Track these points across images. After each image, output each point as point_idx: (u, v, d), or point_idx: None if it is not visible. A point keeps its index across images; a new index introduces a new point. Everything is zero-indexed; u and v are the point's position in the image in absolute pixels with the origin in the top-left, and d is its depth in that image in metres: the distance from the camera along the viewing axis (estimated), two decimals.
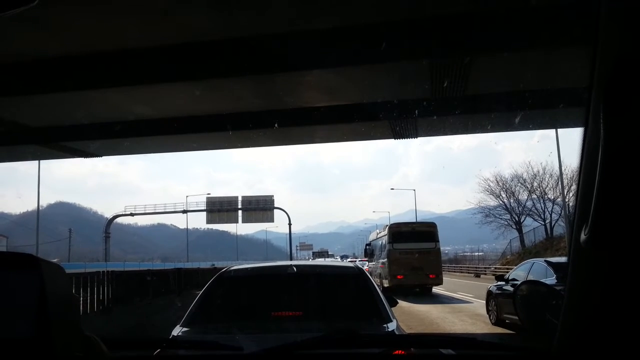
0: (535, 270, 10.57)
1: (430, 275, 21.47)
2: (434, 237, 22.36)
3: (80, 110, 13.04)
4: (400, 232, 22.51)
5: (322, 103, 13.01)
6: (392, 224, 24.16)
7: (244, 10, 8.13)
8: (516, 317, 10.85)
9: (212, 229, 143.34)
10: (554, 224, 37.40)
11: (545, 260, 10.82)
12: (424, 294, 20.81)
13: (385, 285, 21.61)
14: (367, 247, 30.18)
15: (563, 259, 12.91)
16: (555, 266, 9.80)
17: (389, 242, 22.28)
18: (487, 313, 12.31)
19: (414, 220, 39.61)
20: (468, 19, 8.16)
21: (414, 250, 21.55)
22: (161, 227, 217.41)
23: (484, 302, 12.81)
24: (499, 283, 11.89)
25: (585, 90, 0.95)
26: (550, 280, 9.00)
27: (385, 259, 22.61)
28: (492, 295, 12.00)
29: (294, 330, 2.78)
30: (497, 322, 11.40)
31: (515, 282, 10.79)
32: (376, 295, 3.17)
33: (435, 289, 22.37)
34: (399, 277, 21.31)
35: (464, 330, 10.88)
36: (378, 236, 27.23)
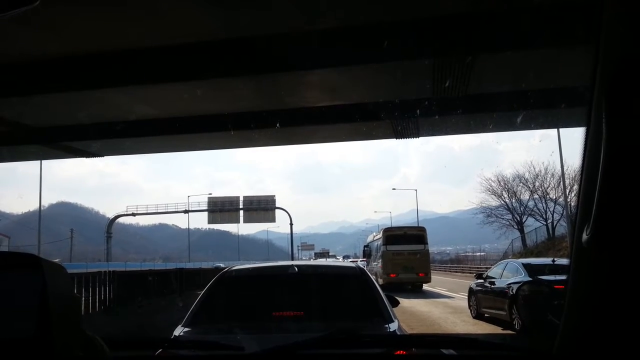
0: (509, 268, 11.70)
1: (420, 274, 23.84)
2: (424, 240, 24.81)
3: (81, 110, 13.05)
4: (393, 236, 25.10)
5: (323, 103, 13.00)
6: (385, 228, 26.97)
7: (245, 9, 8.12)
8: (493, 311, 11.19)
9: (213, 229, 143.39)
10: (556, 224, 37.35)
11: (517, 261, 12.44)
12: (425, 294, 21.49)
13: (380, 283, 22.33)
14: (365, 248, 33.20)
15: (533, 260, 15.18)
16: (525, 266, 11.07)
17: (383, 244, 24.81)
18: (469, 308, 13.23)
19: (415, 221, 41.78)
20: (470, 19, 8.15)
21: (405, 251, 23.94)
22: (163, 227, 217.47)
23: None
24: (479, 281, 12.79)
25: (587, 89, 0.94)
26: (521, 277, 10.49)
27: (380, 259, 25.12)
28: (473, 292, 12.96)
29: (296, 330, 2.77)
30: (477, 315, 12.35)
31: (492, 280, 11.87)
32: (378, 296, 3.16)
33: (437, 289, 23.39)
34: (392, 275, 23.76)
35: (465, 331, 10.86)
36: (374, 239, 30.00)
